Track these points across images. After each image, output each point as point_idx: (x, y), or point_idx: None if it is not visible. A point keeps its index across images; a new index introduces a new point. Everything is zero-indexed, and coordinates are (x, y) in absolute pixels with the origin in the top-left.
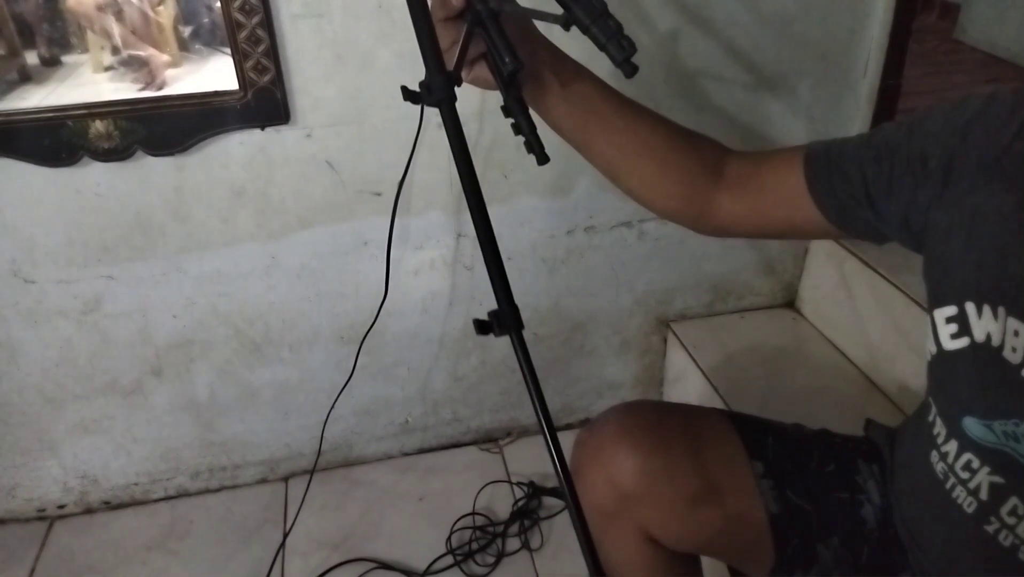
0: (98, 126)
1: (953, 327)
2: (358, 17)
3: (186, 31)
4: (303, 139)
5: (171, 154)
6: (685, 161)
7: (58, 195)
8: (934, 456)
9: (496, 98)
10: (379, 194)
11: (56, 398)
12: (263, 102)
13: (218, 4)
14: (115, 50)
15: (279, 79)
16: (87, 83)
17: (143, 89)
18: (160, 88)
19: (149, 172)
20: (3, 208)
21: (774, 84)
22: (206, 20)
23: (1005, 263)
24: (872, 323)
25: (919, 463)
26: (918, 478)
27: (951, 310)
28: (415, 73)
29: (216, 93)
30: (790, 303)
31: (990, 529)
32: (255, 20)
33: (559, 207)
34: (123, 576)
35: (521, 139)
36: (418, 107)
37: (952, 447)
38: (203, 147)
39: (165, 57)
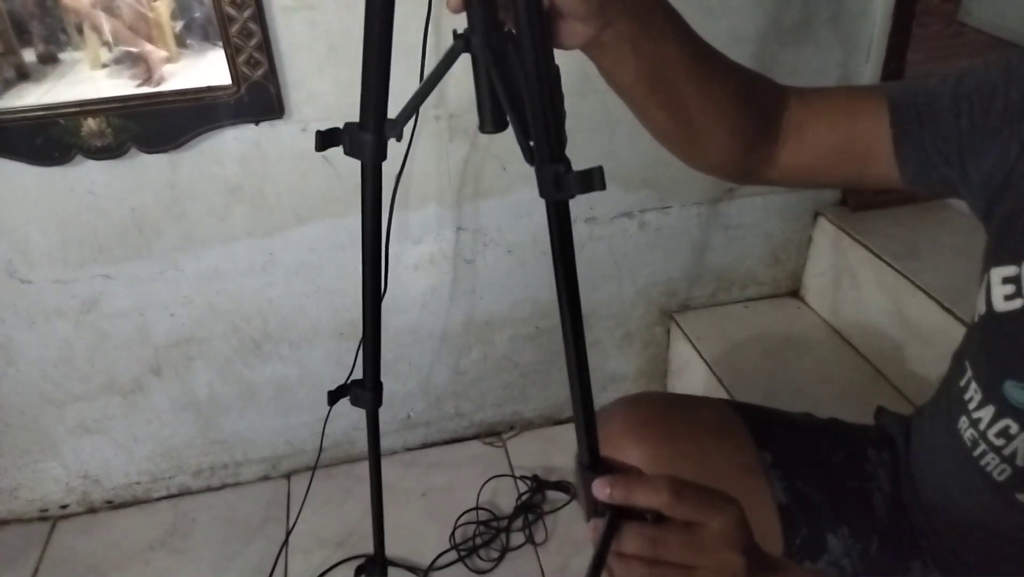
0: (90, 124)
1: (1010, 288)
2: (351, 8)
3: (177, 26)
4: (298, 133)
5: (165, 151)
6: (752, 119)
7: (52, 194)
8: (963, 422)
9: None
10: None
11: (56, 398)
12: (257, 97)
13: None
14: (112, 46)
15: (272, 73)
16: (84, 80)
17: (141, 85)
18: (158, 84)
19: (143, 169)
20: None
21: (775, 69)
22: (198, 15)
23: None
24: (877, 311)
25: (943, 435)
26: (940, 453)
27: (1011, 270)
28: (409, 64)
29: (209, 88)
30: (794, 292)
31: (1022, 498)
32: (246, 13)
33: None
34: (127, 575)
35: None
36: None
37: (987, 413)
38: (197, 143)
39: (162, 53)
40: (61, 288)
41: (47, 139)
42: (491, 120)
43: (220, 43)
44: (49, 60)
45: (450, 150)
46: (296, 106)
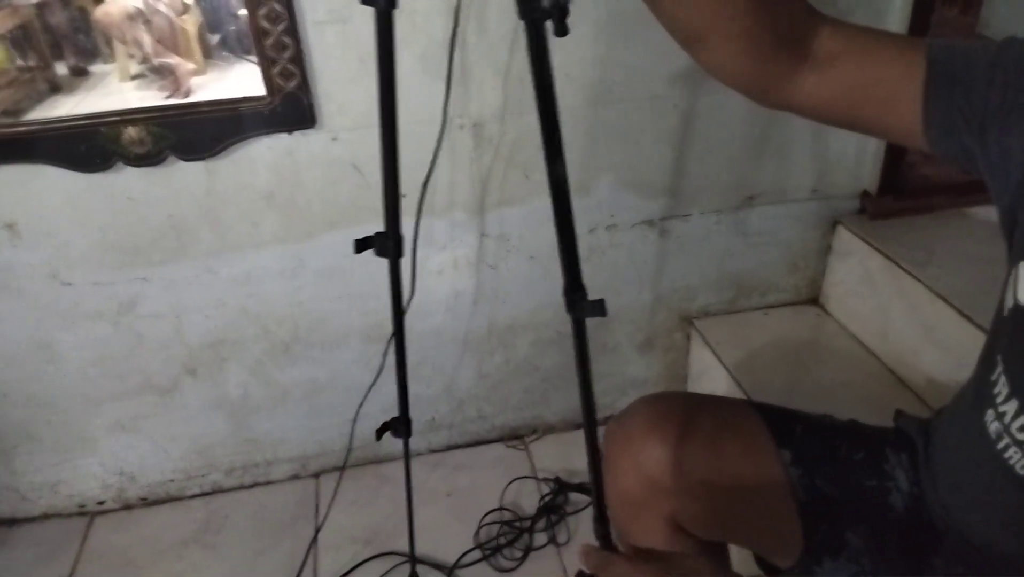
0: (131, 132)
1: None
2: None
3: (213, 39)
4: (329, 143)
5: (201, 159)
6: (769, 32)
7: (93, 200)
8: (989, 415)
9: (519, 99)
10: (403, 195)
11: (94, 397)
12: (290, 107)
13: (244, 12)
14: (142, 59)
15: (305, 84)
16: (114, 92)
17: (169, 97)
18: (186, 95)
19: (180, 176)
20: (40, 213)
21: None
22: (232, 28)
23: None
24: (897, 318)
25: (967, 430)
26: (963, 448)
27: None
28: (437, 75)
29: (244, 99)
30: (814, 299)
31: None
32: (281, 27)
33: (581, 206)
34: (160, 570)
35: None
36: (439, 110)
37: (1012, 406)
38: (232, 152)
39: (191, 65)
40: (100, 290)
41: (89, 147)
42: None
43: (251, 56)
44: (80, 73)
45: (474, 158)
46: (327, 116)
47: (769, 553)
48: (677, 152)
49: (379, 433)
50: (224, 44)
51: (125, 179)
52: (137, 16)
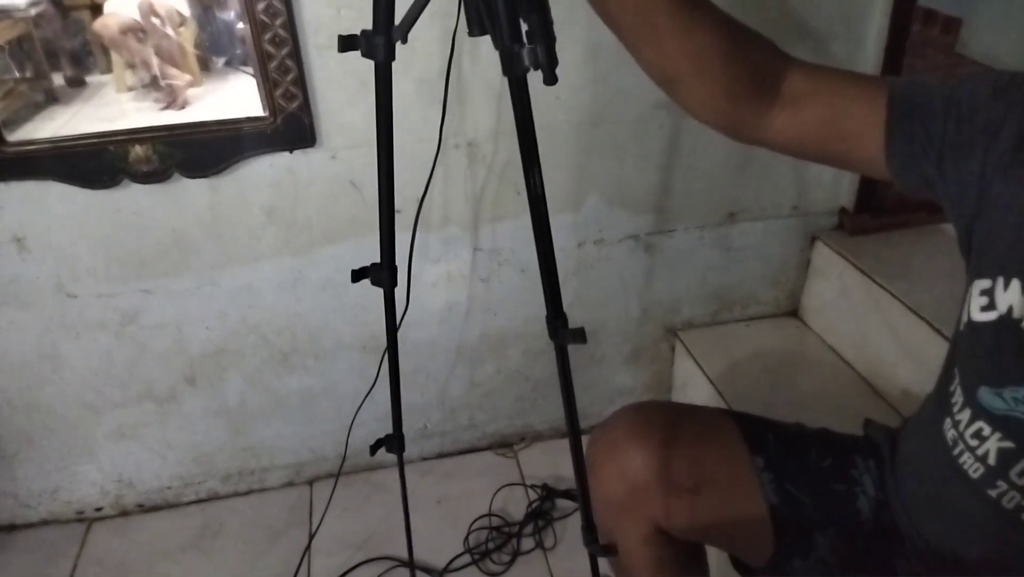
0: (138, 150)
1: (985, 300)
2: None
3: (210, 51)
4: (328, 160)
5: (206, 176)
6: (741, 75)
7: (100, 215)
8: (947, 424)
9: (510, 120)
10: (399, 211)
11: (96, 405)
12: (291, 127)
13: (242, 26)
14: (137, 70)
15: (306, 105)
16: (110, 103)
17: (165, 108)
18: (182, 107)
19: (185, 193)
20: (48, 228)
21: None
22: (228, 41)
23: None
24: (872, 331)
25: (929, 437)
26: (925, 455)
27: (986, 283)
28: (434, 97)
29: (248, 119)
30: (793, 312)
31: (993, 493)
32: (284, 51)
33: (570, 221)
34: (157, 575)
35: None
36: (436, 130)
37: (965, 415)
38: (235, 169)
39: (187, 77)
40: (104, 302)
41: (97, 165)
42: (475, 25)
43: (243, 67)
44: (77, 83)
45: (468, 176)
46: (327, 135)
47: (743, 554)
48: (662, 170)
49: (373, 449)
50: (221, 56)
51: (131, 195)
52: (134, 28)
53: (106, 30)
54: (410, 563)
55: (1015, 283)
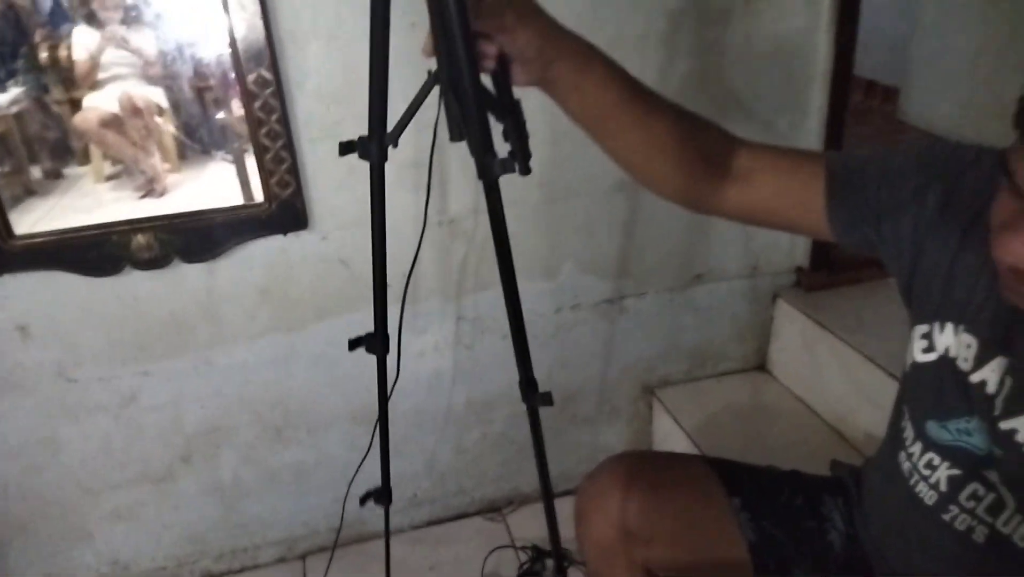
0: (140, 239)
1: (925, 342)
2: None
3: (189, 140)
4: (319, 241)
5: (204, 260)
6: (695, 159)
7: (100, 301)
8: (902, 456)
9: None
10: (389, 287)
11: (93, 488)
12: (285, 212)
13: (221, 115)
14: (115, 161)
15: (299, 191)
16: (88, 194)
17: (144, 196)
18: (161, 195)
19: (183, 277)
20: (51, 315)
21: None
22: (206, 130)
23: (953, 287)
24: (834, 380)
25: (888, 471)
26: (886, 486)
27: (925, 328)
28: (417, 181)
29: (245, 206)
30: (761, 366)
31: (947, 517)
32: (279, 144)
33: (547, 288)
34: None
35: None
36: (421, 210)
37: (917, 448)
38: (232, 253)
39: (166, 165)
40: (104, 385)
41: (100, 254)
42: (455, 132)
43: (221, 153)
44: (54, 176)
45: (451, 250)
46: (319, 218)
47: None
48: (630, 238)
49: (363, 500)
50: (199, 145)
51: (132, 281)
52: (114, 121)
53: (86, 123)
54: None
55: (949, 326)
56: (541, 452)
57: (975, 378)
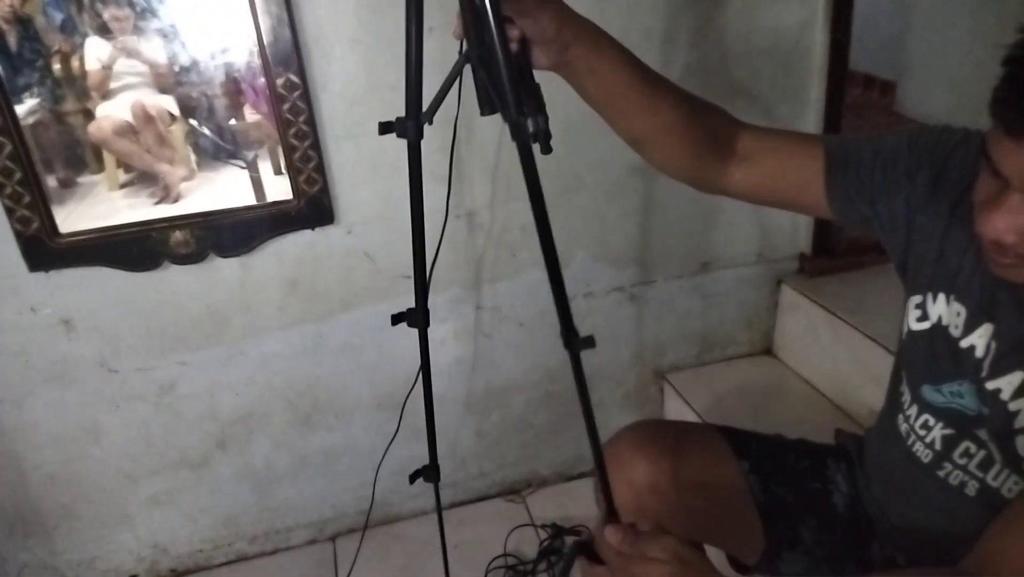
0: (178, 235)
1: (919, 312)
2: (388, 136)
3: (203, 146)
4: (345, 235)
5: (237, 255)
6: (702, 139)
7: (140, 295)
8: (900, 419)
9: (503, 191)
10: (408, 277)
11: (133, 474)
12: (313, 208)
13: (233, 122)
14: (129, 168)
15: (326, 188)
16: (103, 201)
17: (159, 203)
18: (176, 200)
19: (218, 271)
20: (94, 309)
21: None
22: (220, 136)
23: (944, 259)
24: (838, 360)
25: (887, 433)
26: (885, 447)
27: (919, 298)
28: (440, 176)
29: (276, 203)
30: (768, 350)
31: (942, 473)
32: (307, 143)
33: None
34: None
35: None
36: (441, 204)
37: (914, 410)
38: (263, 248)
39: (180, 172)
40: (143, 375)
41: (141, 250)
42: (485, 105)
43: (233, 160)
44: (69, 185)
45: (469, 242)
46: (344, 213)
47: (738, 551)
48: (640, 228)
49: (412, 478)
50: (212, 151)
51: (170, 276)
52: (127, 128)
53: (100, 133)
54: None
55: (941, 296)
56: (585, 394)
57: (965, 343)
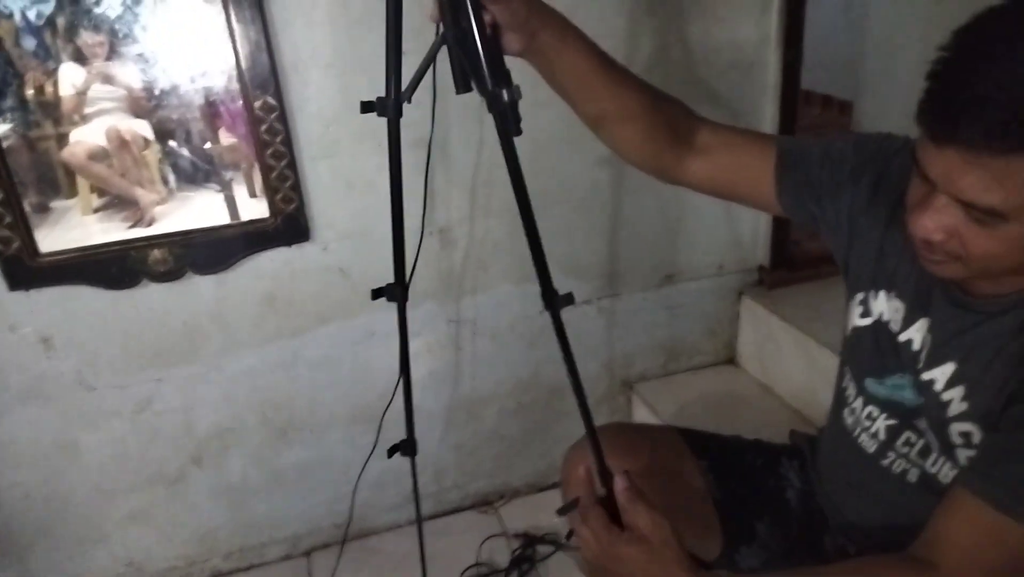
0: (156, 254)
1: (861, 308)
2: (362, 154)
3: (176, 170)
4: (320, 252)
5: (214, 272)
6: (661, 127)
7: (119, 313)
8: (846, 412)
9: (477, 208)
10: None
11: (109, 491)
12: (289, 226)
13: (209, 146)
14: (102, 192)
15: (301, 207)
16: (76, 225)
17: (132, 227)
18: (149, 224)
19: (196, 288)
20: (74, 328)
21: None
22: (194, 160)
23: (884, 258)
24: (795, 368)
25: (834, 428)
26: (834, 445)
27: (862, 295)
28: (414, 193)
29: (252, 221)
30: (731, 360)
31: (886, 462)
32: (283, 163)
33: (531, 291)
34: None
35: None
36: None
37: (859, 403)
38: (241, 265)
39: (153, 196)
40: (120, 392)
41: (120, 268)
42: (461, 84)
43: (208, 184)
44: (42, 209)
45: (442, 257)
46: (319, 230)
47: (698, 548)
48: (607, 243)
49: (391, 452)
50: (182, 175)
51: (148, 293)
52: (101, 153)
53: (74, 158)
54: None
55: (882, 293)
56: (568, 353)
57: (903, 337)
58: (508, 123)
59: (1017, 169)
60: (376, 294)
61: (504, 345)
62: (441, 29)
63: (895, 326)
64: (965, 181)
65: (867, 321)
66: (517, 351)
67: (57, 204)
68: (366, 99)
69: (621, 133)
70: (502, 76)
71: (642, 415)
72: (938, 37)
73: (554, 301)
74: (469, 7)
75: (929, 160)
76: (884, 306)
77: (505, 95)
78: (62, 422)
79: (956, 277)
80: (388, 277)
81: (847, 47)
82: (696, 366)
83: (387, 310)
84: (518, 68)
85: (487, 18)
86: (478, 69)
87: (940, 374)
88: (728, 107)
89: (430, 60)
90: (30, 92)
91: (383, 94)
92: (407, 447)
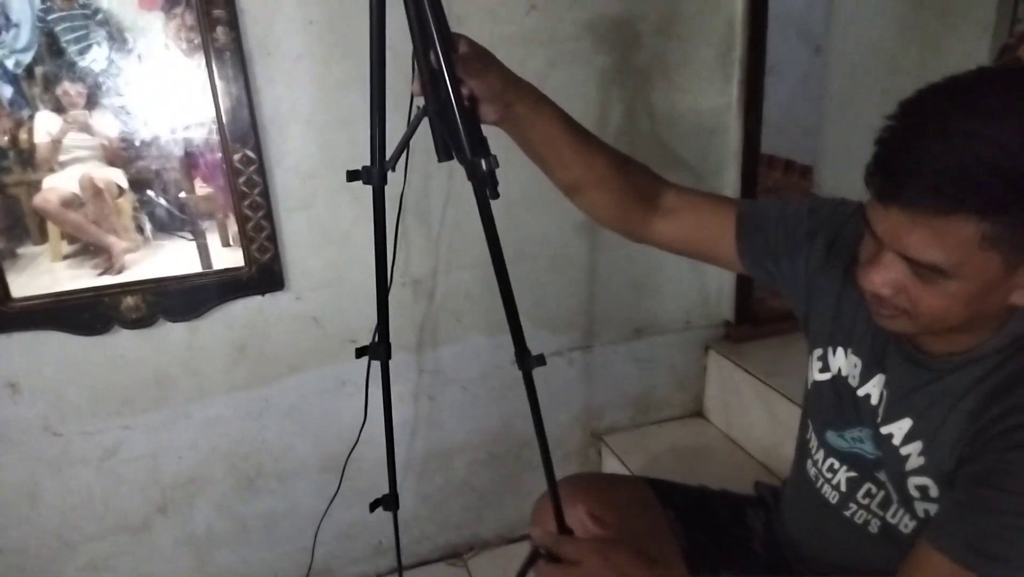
0: (129, 301)
1: (820, 363)
2: (339, 206)
3: (149, 219)
4: (294, 301)
5: (187, 319)
6: (629, 191)
7: (88, 359)
8: (808, 464)
9: (447, 261)
10: (355, 341)
11: (71, 540)
12: (264, 275)
13: (183, 194)
14: (72, 239)
15: (277, 256)
16: (44, 272)
17: (102, 274)
18: (119, 272)
19: (167, 335)
20: (41, 372)
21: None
22: (167, 209)
23: (841, 316)
24: (760, 420)
25: (798, 479)
26: (798, 495)
27: (820, 351)
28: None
29: (227, 270)
30: (698, 412)
31: (848, 513)
32: (260, 214)
33: (502, 342)
34: None
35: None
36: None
37: (820, 455)
38: (213, 312)
39: (125, 244)
40: (87, 439)
41: (92, 315)
42: (442, 153)
43: (180, 233)
44: (9, 256)
45: (414, 308)
46: (294, 279)
47: None
48: (577, 297)
49: (372, 507)
50: (156, 224)
51: (118, 340)
52: (74, 200)
53: (47, 204)
54: None
55: (840, 350)
56: (536, 412)
57: (862, 392)
58: (484, 192)
59: (955, 229)
60: (360, 353)
61: (475, 396)
62: (422, 103)
63: (853, 381)
64: (909, 239)
65: (826, 376)
66: (488, 402)
67: (25, 251)
68: (344, 153)
69: (592, 197)
70: (480, 145)
71: (612, 467)
72: (891, 107)
73: (527, 361)
74: (448, 81)
75: (877, 218)
76: (842, 362)
77: (484, 164)
78: (26, 469)
79: (906, 332)
80: (361, 326)
81: (808, 116)
82: (665, 418)
83: (359, 362)
84: (493, 133)
85: (465, 91)
86: (458, 139)
87: (898, 429)
88: (692, 170)
89: (412, 131)
90: (4, 139)
91: (360, 148)
92: (389, 502)
